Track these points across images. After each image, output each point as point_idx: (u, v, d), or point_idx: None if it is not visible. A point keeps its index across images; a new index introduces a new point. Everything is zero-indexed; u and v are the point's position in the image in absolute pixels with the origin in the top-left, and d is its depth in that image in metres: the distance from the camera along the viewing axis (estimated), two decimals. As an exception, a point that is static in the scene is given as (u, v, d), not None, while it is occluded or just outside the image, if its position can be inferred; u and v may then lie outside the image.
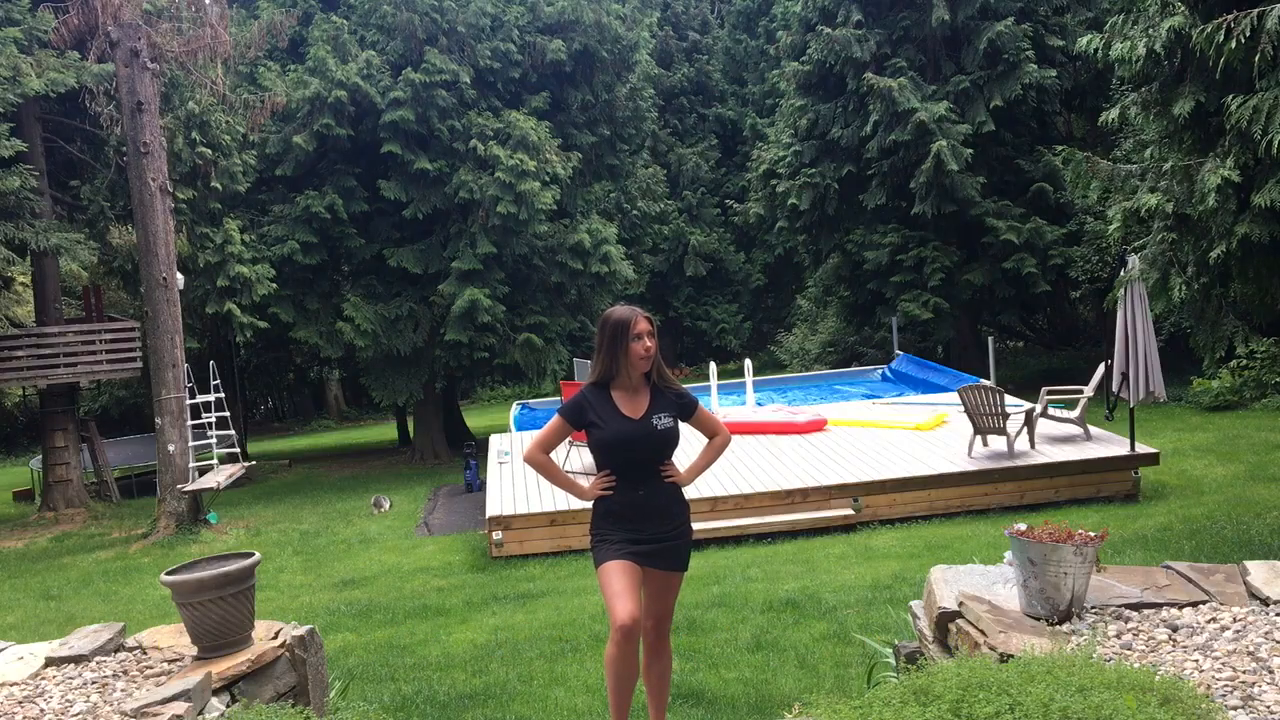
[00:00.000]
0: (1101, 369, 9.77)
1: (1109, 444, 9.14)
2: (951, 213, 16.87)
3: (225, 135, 14.44)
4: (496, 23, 15.94)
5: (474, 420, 22.72)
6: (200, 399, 12.16)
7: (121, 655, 3.74)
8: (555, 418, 3.54)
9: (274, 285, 14.93)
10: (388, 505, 12.74)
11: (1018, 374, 19.03)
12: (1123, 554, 6.22)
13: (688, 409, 3.57)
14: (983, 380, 11.19)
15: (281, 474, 17.76)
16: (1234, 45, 5.20)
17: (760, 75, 28.44)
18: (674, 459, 3.60)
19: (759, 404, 13.71)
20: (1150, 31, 5.94)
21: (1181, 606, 3.19)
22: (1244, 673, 2.65)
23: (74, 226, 13.62)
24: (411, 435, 19.17)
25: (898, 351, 17.73)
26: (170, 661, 3.62)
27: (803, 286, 25.25)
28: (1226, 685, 2.58)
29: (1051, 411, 9.63)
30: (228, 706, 3.36)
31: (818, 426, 11.13)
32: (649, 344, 3.40)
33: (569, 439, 4.53)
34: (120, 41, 11.40)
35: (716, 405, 13.29)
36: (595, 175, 18.45)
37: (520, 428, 13.87)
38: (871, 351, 21.33)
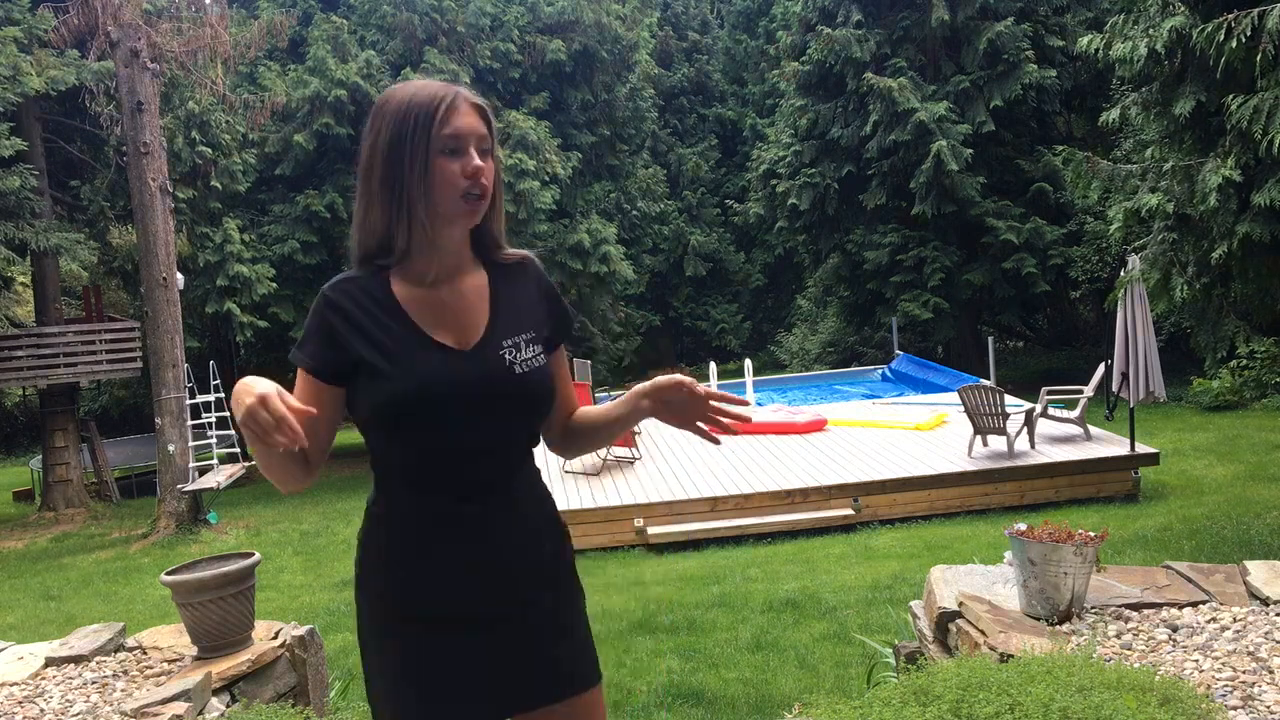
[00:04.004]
0: (1101, 369, 9.77)
1: (1109, 444, 9.14)
2: (951, 213, 16.87)
3: (225, 135, 14.44)
4: (496, 23, 15.94)
5: (474, 420, 22.68)
6: (200, 399, 12.16)
7: (121, 655, 3.74)
8: (298, 372, 1.63)
9: (274, 285, 14.93)
10: None
11: (1018, 374, 19.02)
12: (1123, 554, 6.22)
13: (560, 327, 1.74)
14: (983, 380, 11.18)
15: (281, 474, 17.72)
16: (1235, 45, 5.20)
17: (760, 75, 28.44)
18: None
19: (759, 404, 13.71)
20: (1151, 31, 5.94)
21: (1181, 606, 3.19)
22: (1244, 673, 2.65)
23: (74, 226, 13.62)
24: (411, 435, 19.14)
25: (898, 351, 17.73)
26: (170, 661, 3.62)
27: (803, 286, 25.25)
28: (1226, 685, 2.58)
29: (1051, 411, 9.63)
30: (228, 706, 3.36)
31: (818, 426, 11.12)
32: (480, 163, 1.55)
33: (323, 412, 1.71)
34: (120, 41, 11.40)
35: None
36: (595, 175, 18.45)
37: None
38: (871, 351, 21.33)
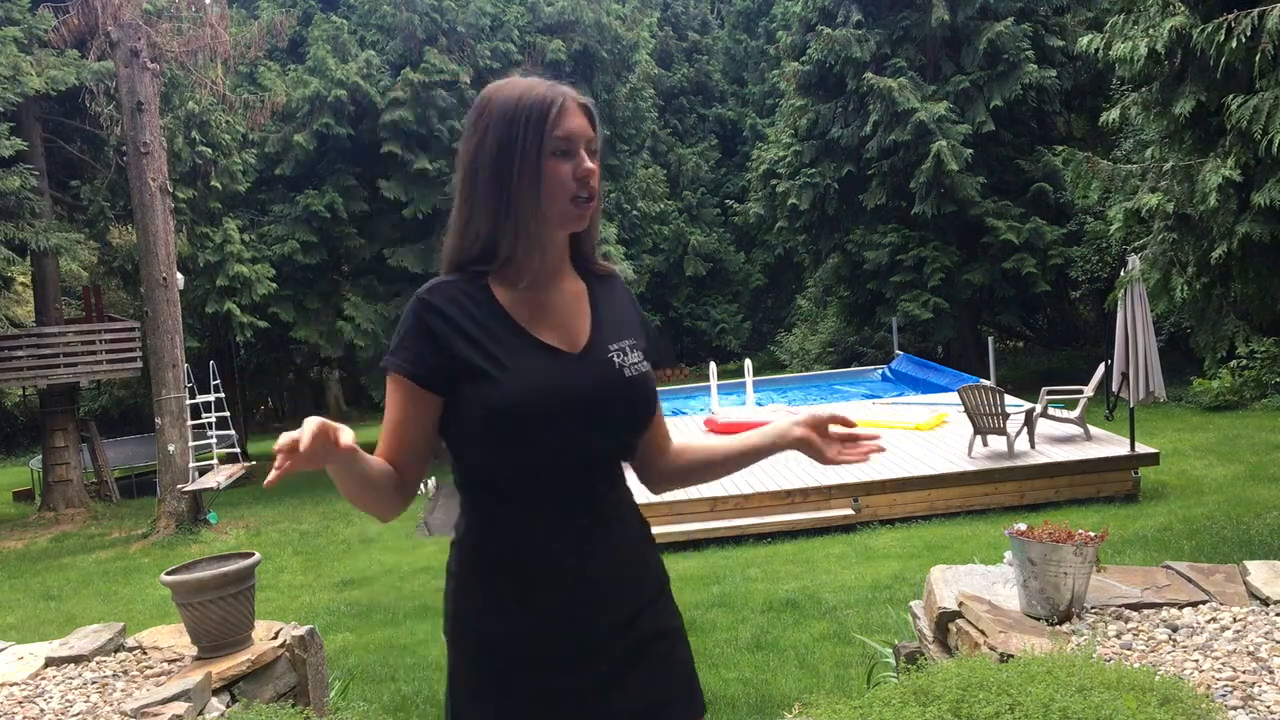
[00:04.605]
0: (1101, 369, 9.77)
1: (1109, 444, 9.14)
2: (951, 213, 16.87)
3: (225, 135, 14.45)
4: (496, 23, 15.94)
5: (474, 420, 22.69)
6: (200, 399, 12.16)
7: (121, 655, 3.74)
8: (391, 380, 1.51)
9: (274, 285, 14.93)
10: (432, 482, 13.02)
11: (1018, 374, 19.02)
12: (1123, 554, 6.22)
13: (651, 343, 1.71)
14: (983, 380, 11.18)
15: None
16: (1235, 45, 5.20)
17: (760, 75, 28.46)
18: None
19: (759, 404, 13.71)
20: (1151, 31, 5.94)
21: (1181, 606, 3.19)
22: (1244, 673, 2.65)
23: (74, 226, 13.64)
24: (411, 435, 19.15)
25: (898, 351, 17.73)
26: (170, 661, 3.62)
27: (803, 286, 25.25)
28: (1226, 685, 2.58)
29: (1051, 411, 9.63)
30: (228, 706, 3.36)
31: (818, 426, 11.11)
32: (591, 166, 1.51)
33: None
34: (120, 41, 11.40)
35: (717, 405, 13.29)
36: (595, 175, 18.46)
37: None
38: (871, 351, 21.33)
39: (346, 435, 1.35)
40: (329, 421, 1.33)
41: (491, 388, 1.44)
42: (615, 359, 1.55)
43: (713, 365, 14.72)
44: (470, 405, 1.46)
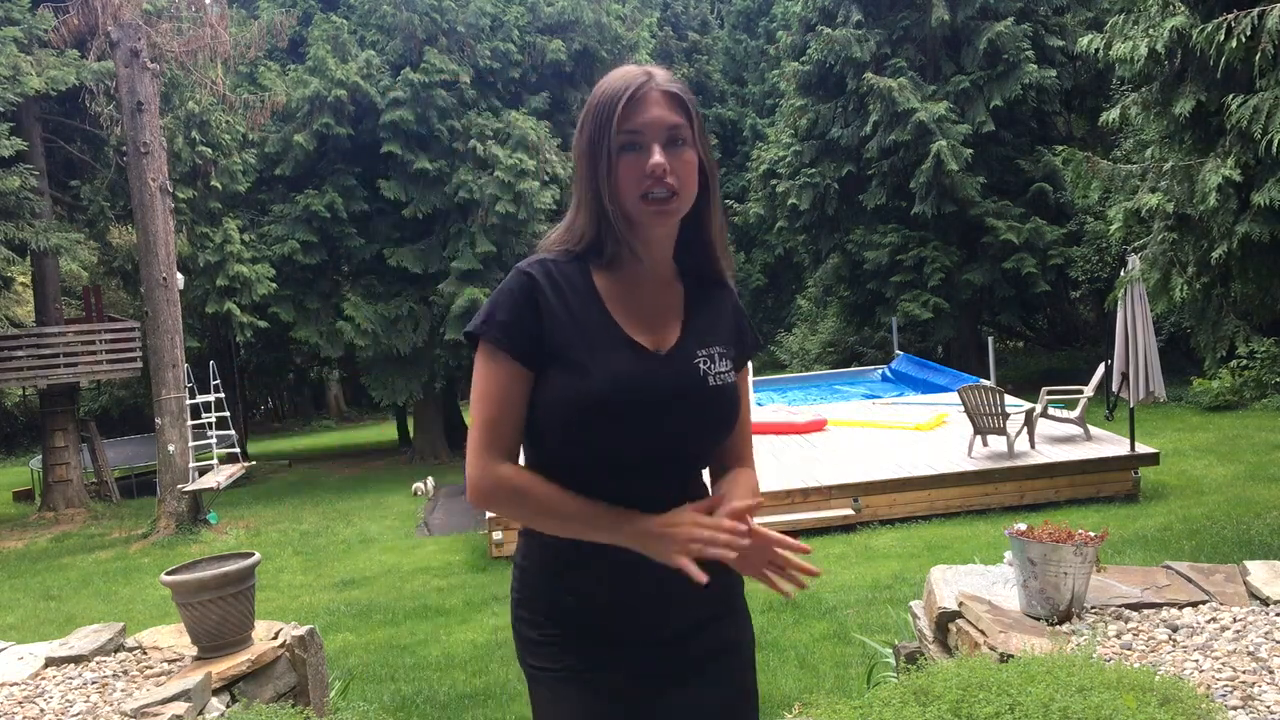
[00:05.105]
0: (1101, 369, 9.77)
1: (1109, 444, 9.13)
2: (951, 213, 16.88)
3: (225, 135, 14.45)
4: (496, 23, 15.94)
5: (474, 420, 22.69)
6: (200, 399, 12.16)
7: (121, 655, 3.74)
8: (480, 356, 1.48)
9: (274, 285, 14.94)
10: (430, 483, 12.95)
11: (1018, 374, 19.03)
12: (1123, 554, 6.22)
13: (747, 344, 1.68)
14: (983, 380, 11.18)
15: (281, 474, 17.76)
16: (1235, 44, 5.20)
17: (760, 75, 28.45)
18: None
19: (759, 404, 13.71)
20: (1151, 31, 5.94)
21: (1181, 606, 3.19)
22: (1244, 673, 2.65)
23: (74, 226, 13.63)
24: (412, 435, 19.17)
25: (898, 351, 17.73)
26: (170, 661, 3.62)
27: (803, 286, 25.25)
28: (1226, 685, 2.58)
29: (1051, 411, 9.63)
30: (228, 706, 3.36)
31: (818, 426, 11.12)
32: (659, 159, 1.41)
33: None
34: (120, 41, 11.40)
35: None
36: (595, 175, 18.47)
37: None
38: (871, 351, 21.33)
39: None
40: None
41: (576, 377, 1.44)
42: (701, 364, 1.52)
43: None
44: (553, 389, 1.45)
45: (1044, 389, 9.87)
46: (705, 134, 1.49)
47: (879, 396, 14.80)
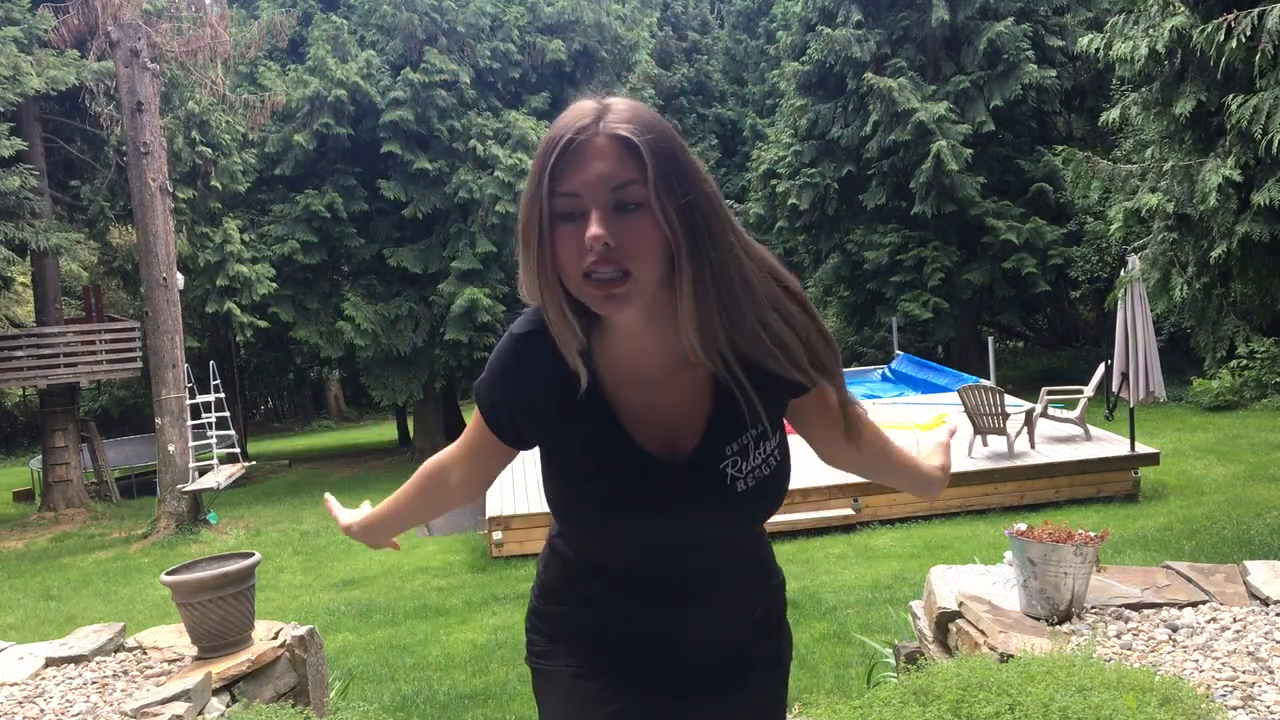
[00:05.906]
0: (1101, 369, 9.77)
1: (1109, 444, 9.13)
2: (951, 213, 16.88)
3: (225, 135, 14.45)
4: (496, 23, 15.95)
5: (474, 420, 22.70)
6: (200, 399, 12.16)
7: (121, 655, 3.74)
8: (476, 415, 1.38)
9: (274, 285, 14.94)
10: None
11: (1018, 374, 19.03)
12: (1123, 554, 6.22)
13: (803, 377, 1.27)
14: (983, 380, 11.18)
15: (281, 474, 17.76)
16: (1235, 44, 5.20)
17: (760, 75, 28.43)
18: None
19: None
20: (1151, 31, 5.95)
21: (1181, 606, 3.19)
22: (1244, 673, 2.65)
23: (74, 226, 13.63)
24: (411, 435, 19.17)
25: (898, 351, 17.73)
26: (170, 661, 3.62)
27: (803, 286, 25.22)
28: (1226, 685, 2.58)
29: (1051, 411, 9.63)
30: (228, 706, 3.36)
31: (818, 426, 11.11)
32: (598, 231, 1.08)
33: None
34: (120, 41, 11.40)
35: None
36: (595, 175, 18.48)
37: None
38: (871, 351, 21.33)
39: (344, 519, 1.60)
40: (335, 511, 1.63)
41: (564, 484, 1.28)
42: (729, 468, 1.24)
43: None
44: (549, 476, 1.30)
45: (1044, 389, 9.88)
46: (686, 180, 1.11)
47: (879, 397, 14.79)
